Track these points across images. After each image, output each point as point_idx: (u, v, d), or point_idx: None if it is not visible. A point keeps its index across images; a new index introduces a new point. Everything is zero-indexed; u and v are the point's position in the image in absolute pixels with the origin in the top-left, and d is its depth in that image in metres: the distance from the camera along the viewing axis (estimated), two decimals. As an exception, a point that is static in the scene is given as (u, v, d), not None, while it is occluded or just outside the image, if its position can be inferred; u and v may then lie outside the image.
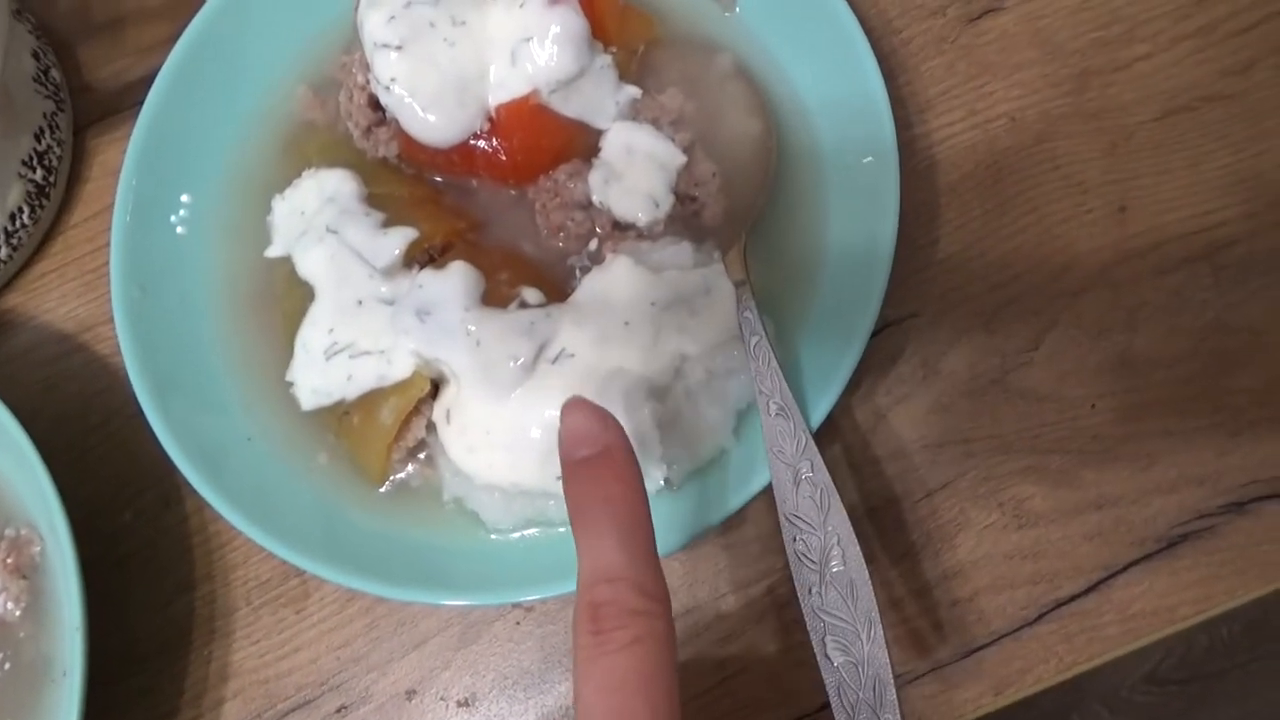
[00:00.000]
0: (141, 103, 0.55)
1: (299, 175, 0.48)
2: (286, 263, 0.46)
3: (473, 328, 0.40)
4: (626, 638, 0.24)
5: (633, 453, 0.27)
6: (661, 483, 0.41)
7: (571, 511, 0.27)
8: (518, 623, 0.45)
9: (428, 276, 0.42)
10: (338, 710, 0.45)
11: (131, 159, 0.47)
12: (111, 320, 0.51)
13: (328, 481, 0.45)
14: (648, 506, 0.27)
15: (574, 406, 0.27)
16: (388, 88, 0.44)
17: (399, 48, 0.44)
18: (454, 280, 0.42)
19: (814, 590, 0.35)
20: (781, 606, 0.44)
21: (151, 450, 0.49)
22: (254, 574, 0.47)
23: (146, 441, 0.49)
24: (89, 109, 0.56)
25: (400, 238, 0.43)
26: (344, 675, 0.46)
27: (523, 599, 0.42)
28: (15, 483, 0.46)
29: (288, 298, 0.46)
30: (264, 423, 0.45)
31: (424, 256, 0.44)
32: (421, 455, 0.44)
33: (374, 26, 0.44)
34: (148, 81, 0.55)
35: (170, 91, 0.49)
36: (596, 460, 0.27)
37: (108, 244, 0.53)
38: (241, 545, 0.48)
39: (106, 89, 0.56)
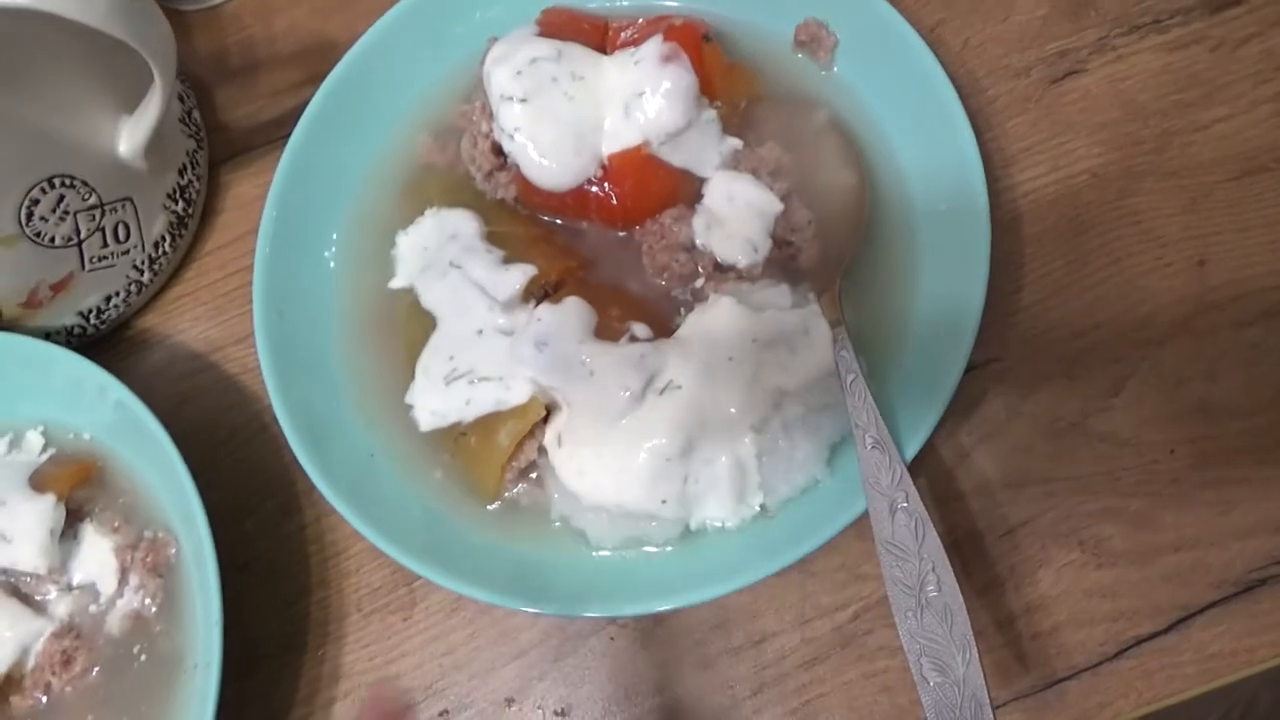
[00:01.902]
0: (273, 141, 0.60)
1: (420, 214, 0.52)
2: (408, 293, 0.50)
3: (587, 359, 0.44)
4: None
5: None
6: (758, 509, 0.44)
7: None
8: (612, 638, 0.48)
9: (545, 310, 0.45)
10: (440, 714, 0.48)
11: (273, 198, 0.52)
12: (239, 341, 0.56)
13: (442, 496, 0.48)
14: None
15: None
16: (511, 136, 0.48)
17: (523, 100, 0.47)
18: (570, 314, 0.45)
19: (911, 614, 0.37)
20: (866, 633, 0.46)
21: (274, 463, 0.53)
22: (365, 582, 0.50)
23: (269, 455, 0.53)
24: (224, 146, 0.60)
25: (521, 274, 0.46)
26: (447, 681, 0.48)
27: (620, 613, 0.45)
28: (155, 488, 0.50)
29: (408, 326, 0.50)
30: (385, 441, 0.49)
31: (540, 292, 0.47)
32: (532, 475, 0.47)
33: (501, 80, 0.48)
34: (279, 122, 0.60)
35: (306, 137, 0.53)
36: None
37: (239, 270, 0.58)
38: (355, 554, 0.51)
39: (240, 128, 0.61)
